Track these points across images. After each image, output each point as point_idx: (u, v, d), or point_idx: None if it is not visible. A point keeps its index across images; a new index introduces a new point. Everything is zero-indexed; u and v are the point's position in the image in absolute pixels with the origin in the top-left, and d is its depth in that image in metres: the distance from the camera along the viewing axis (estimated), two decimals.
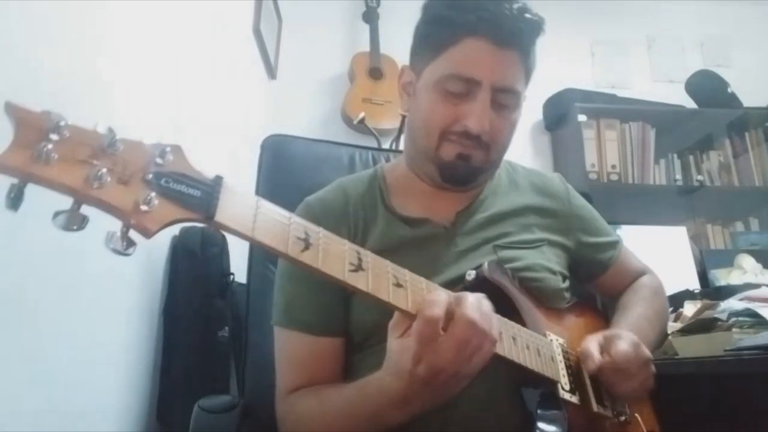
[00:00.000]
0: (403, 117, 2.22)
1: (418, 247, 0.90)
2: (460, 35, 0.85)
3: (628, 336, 0.82)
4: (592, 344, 0.81)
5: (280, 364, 0.90)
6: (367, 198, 0.96)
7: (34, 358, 0.93)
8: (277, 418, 0.88)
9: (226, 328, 1.57)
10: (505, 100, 0.88)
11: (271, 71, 2.62)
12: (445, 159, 0.89)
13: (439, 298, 0.62)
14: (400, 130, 2.29)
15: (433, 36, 0.89)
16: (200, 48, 1.72)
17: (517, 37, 0.86)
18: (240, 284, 1.58)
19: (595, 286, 1.09)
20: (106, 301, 1.18)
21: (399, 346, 0.64)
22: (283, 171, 1.22)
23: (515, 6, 0.85)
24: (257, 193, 1.21)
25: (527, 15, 0.86)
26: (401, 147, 2.26)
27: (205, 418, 1.00)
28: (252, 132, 1.83)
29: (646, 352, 0.83)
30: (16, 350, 0.89)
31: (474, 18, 0.83)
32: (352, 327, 0.88)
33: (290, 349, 0.89)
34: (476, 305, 0.62)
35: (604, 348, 0.81)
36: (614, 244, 1.07)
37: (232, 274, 1.63)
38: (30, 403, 0.93)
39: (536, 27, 0.88)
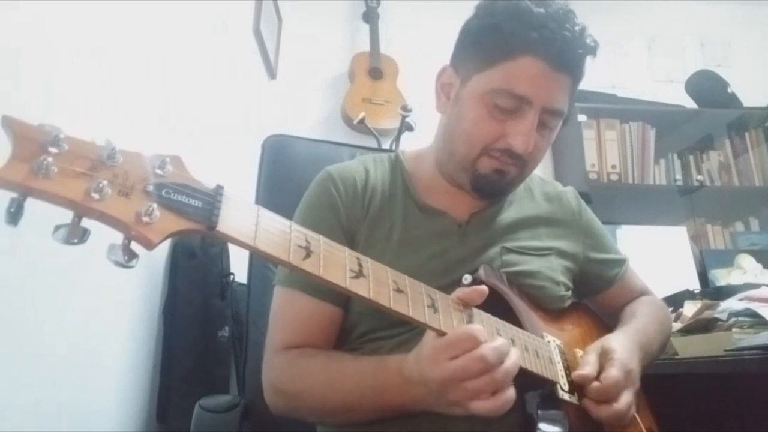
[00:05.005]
0: (403, 117, 2.22)
1: (432, 237, 0.91)
2: (518, 51, 0.82)
3: (620, 363, 0.79)
4: (590, 356, 0.81)
5: (276, 322, 0.89)
6: (387, 180, 0.96)
7: (33, 358, 0.93)
8: (264, 374, 0.87)
9: (226, 328, 1.57)
10: (549, 121, 0.88)
11: (271, 71, 2.62)
12: (481, 172, 0.89)
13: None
14: (400, 130, 2.28)
15: (488, 45, 0.85)
16: (200, 48, 1.72)
17: (574, 62, 0.85)
18: (240, 284, 1.58)
19: (595, 302, 1.09)
20: (106, 301, 1.18)
21: (434, 352, 0.66)
22: (284, 171, 1.22)
23: (577, 28, 0.83)
24: (258, 192, 1.21)
25: (587, 40, 0.85)
26: (401, 147, 2.27)
27: (206, 417, 1.01)
28: (252, 132, 1.83)
29: (636, 380, 0.82)
30: (15, 350, 0.89)
31: (536, 36, 0.81)
32: (347, 322, 0.89)
33: (290, 308, 0.88)
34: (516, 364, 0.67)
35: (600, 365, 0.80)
36: (621, 262, 1.08)
37: (232, 274, 1.63)
38: (30, 403, 0.93)
39: (592, 52, 0.87)
